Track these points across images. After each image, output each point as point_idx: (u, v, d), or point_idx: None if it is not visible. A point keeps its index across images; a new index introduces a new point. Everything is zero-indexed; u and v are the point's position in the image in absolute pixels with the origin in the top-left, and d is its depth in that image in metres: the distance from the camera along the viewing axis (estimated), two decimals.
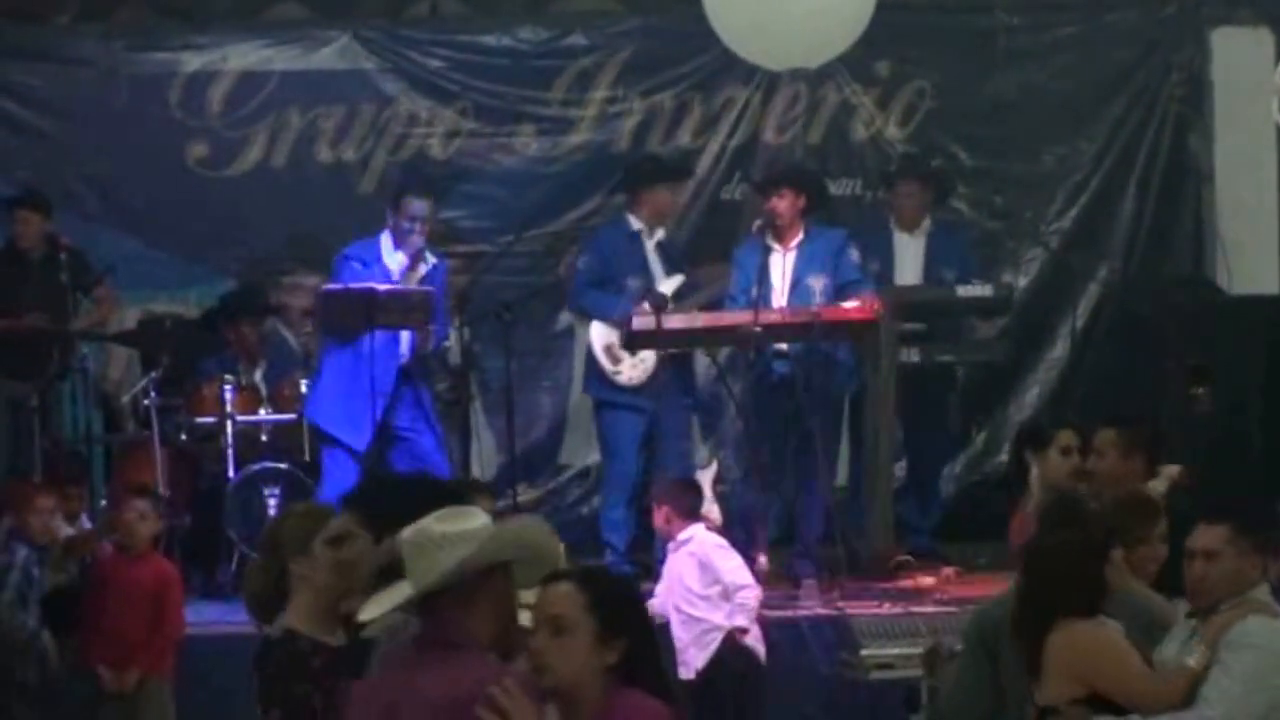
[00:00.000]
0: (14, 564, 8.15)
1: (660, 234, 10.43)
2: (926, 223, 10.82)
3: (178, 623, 8.73)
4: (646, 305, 9.95)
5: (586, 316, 10.49)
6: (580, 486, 11.57)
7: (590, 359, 10.37)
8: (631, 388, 10.17)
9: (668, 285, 10.24)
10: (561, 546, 4.38)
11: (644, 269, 10.29)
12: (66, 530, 8.99)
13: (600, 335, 10.26)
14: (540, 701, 3.88)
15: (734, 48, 10.46)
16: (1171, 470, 7.45)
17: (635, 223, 10.38)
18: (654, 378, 10.15)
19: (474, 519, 4.16)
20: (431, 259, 10.14)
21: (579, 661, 3.94)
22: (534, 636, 3.99)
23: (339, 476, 9.75)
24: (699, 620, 8.61)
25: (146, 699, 8.48)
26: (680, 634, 8.61)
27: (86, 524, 9.17)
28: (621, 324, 10.03)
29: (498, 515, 5.94)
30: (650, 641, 4.08)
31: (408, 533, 4.15)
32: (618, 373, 10.19)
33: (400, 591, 4.17)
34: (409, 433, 10.02)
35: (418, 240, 9.99)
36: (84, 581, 8.66)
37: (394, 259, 9.98)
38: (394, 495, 5.39)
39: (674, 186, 10.67)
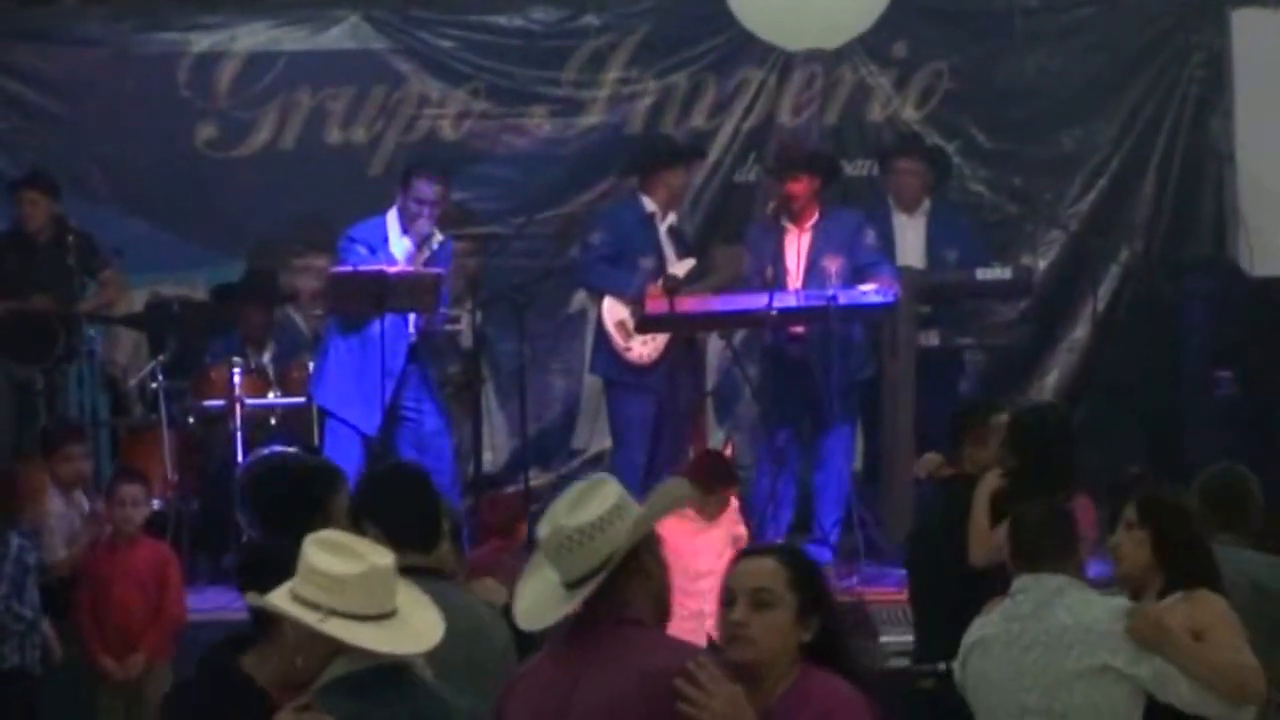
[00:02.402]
0: (7, 555, 8.00)
1: (673, 218, 10.27)
2: (926, 203, 10.65)
3: (179, 604, 8.59)
4: (660, 286, 9.80)
5: (596, 292, 10.30)
6: (593, 471, 11.41)
7: (600, 336, 10.15)
8: (641, 367, 10.01)
9: (679, 269, 10.09)
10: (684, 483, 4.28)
11: (657, 251, 10.12)
12: (69, 510, 8.84)
13: (612, 311, 10.07)
14: (731, 678, 3.82)
15: (751, 27, 10.34)
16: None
17: (650, 205, 10.19)
18: (664, 357, 10.00)
19: (601, 501, 4.01)
20: (439, 237, 9.97)
21: (780, 636, 3.94)
22: (730, 609, 3.96)
23: (342, 457, 9.62)
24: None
25: (147, 683, 8.35)
26: None
27: (83, 501, 8.99)
28: (635, 301, 9.89)
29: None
30: (839, 622, 4.06)
31: (544, 532, 3.97)
32: (629, 349, 10.02)
33: (555, 593, 3.95)
34: (414, 413, 9.85)
35: (425, 225, 9.76)
36: (81, 569, 8.52)
37: (400, 245, 9.74)
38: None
39: (688, 168, 10.52)
